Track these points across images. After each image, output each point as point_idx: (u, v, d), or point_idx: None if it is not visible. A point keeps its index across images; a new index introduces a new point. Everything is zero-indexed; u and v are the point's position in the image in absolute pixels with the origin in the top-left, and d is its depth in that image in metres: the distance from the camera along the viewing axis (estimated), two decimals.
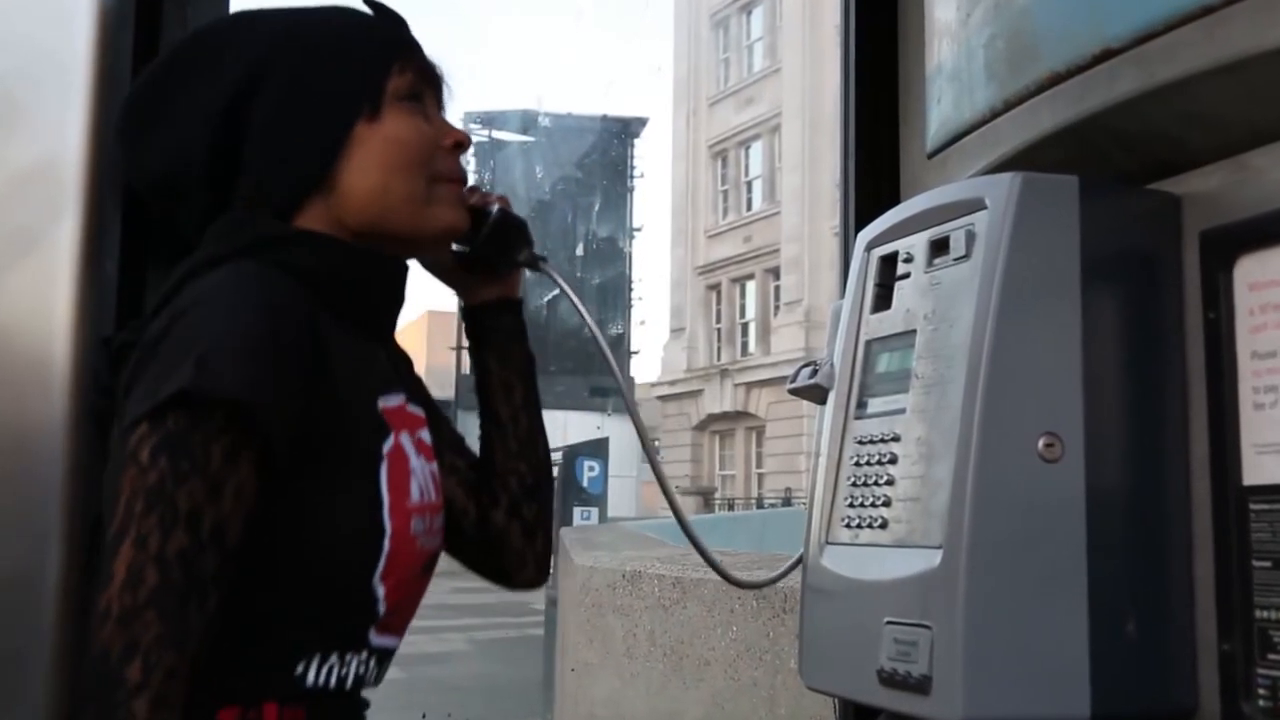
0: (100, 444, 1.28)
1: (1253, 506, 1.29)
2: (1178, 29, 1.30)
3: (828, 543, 1.58)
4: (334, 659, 1.31)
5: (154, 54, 1.66)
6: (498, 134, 40.45)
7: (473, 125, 39.27)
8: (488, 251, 1.58)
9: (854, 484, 1.55)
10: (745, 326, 35.70)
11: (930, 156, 1.84)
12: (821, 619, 1.58)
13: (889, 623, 1.40)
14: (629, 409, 1.73)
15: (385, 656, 1.40)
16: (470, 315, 1.64)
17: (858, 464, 1.56)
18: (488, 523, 1.60)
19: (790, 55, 33.39)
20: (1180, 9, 1.29)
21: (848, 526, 1.55)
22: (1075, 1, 1.45)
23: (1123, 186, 1.46)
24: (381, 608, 1.33)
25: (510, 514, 1.60)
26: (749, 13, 36.41)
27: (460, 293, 1.65)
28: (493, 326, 1.63)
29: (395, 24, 1.50)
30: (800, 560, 1.66)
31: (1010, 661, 1.31)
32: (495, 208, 1.57)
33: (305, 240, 1.38)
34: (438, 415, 1.58)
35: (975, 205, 1.45)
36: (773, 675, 4.06)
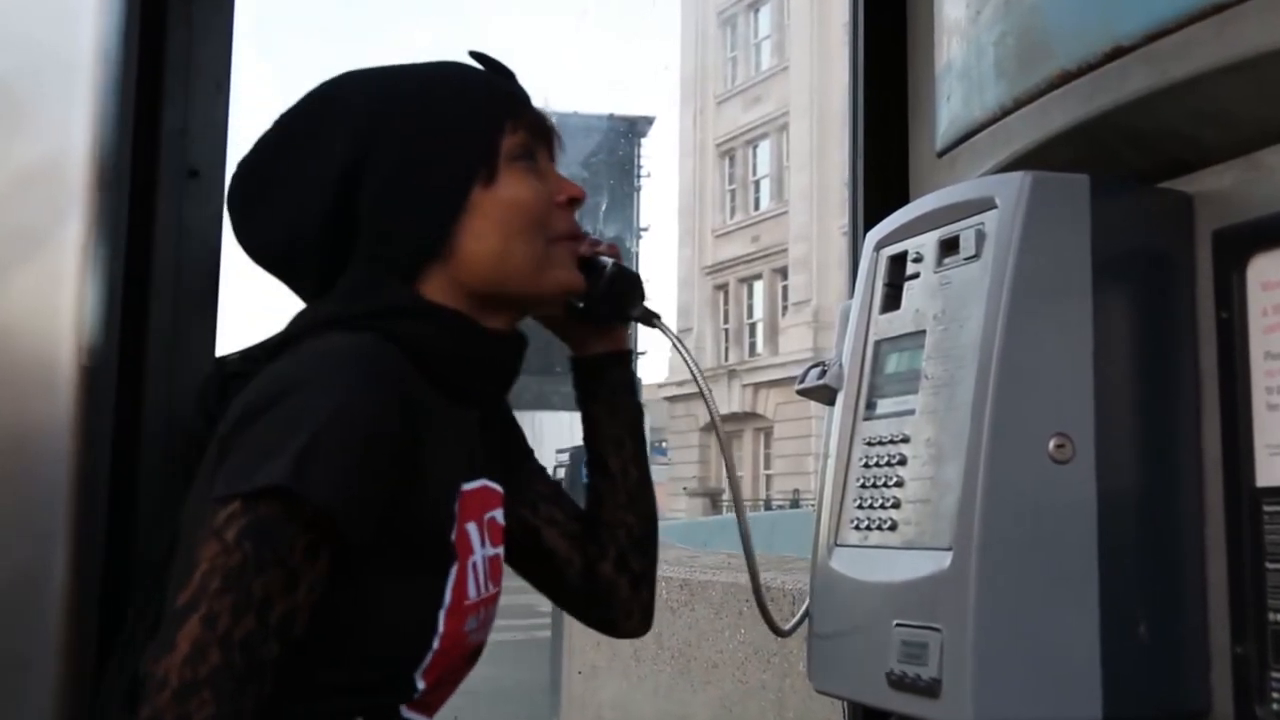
0: (194, 465, 1.30)
1: (1266, 508, 1.29)
2: (1189, 27, 1.30)
3: (837, 545, 1.58)
4: None
5: (159, 52, 1.66)
6: None
7: None
8: (602, 306, 1.58)
9: (863, 485, 1.55)
10: (753, 327, 35.68)
11: (940, 155, 1.84)
12: (830, 621, 1.58)
13: (898, 625, 1.40)
14: (721, 447, 1.76)
15: None
16: (579, 367, 1.64)
17: (867, 465, 1.55)
18: (595, 574, 1.60)
19: (798, 53, 33.37)
20: (1192, 7, 1.29)
21: (857, 528, 1.55)
22: None
23: (1134, 185, 1.46)
24: (420, 688, 1.34)
25: (618, 566, 1.60)
26: (756, 10, 36.39)
27: (569, 344, 1.65)
28: (603, 380, 1.63)
29: (506, 79, 1.49)
30: (806, 614, 1.65)
31: (1021, 664, 1.31)
32: (609, 262, 1.56)
33: (432, 315, 1.39)
34: (531, 469, 1.60)
35: (985, 204, 1.44)
36: (781, 678, 4.06)
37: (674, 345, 1.66)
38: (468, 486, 1.40)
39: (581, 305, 1.57)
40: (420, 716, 1.38)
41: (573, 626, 6.36)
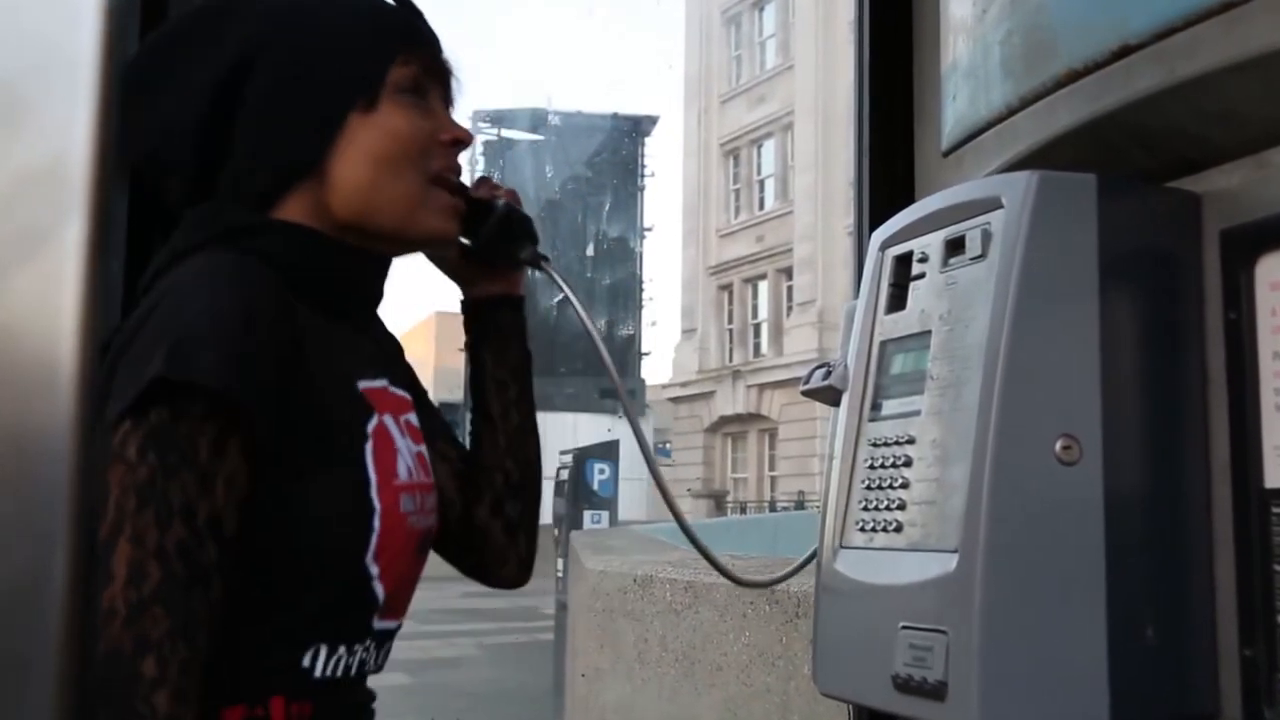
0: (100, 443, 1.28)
1: (1275, 510, 1.29)
2: (1198, 25, 1.30)
3: (842, 546, 1.58)
4: (341, 650, 1.31)
5: None
6: (507, 132, 40.52)
7: (481, 124, 39.36)
8: (490, 246, 1.58)
9: (868, 487, 1.55)
10: (758, 327, 35.71)
11: (945, 155, 1.84)
12: (835, 624, 1.58)
13: (904, 627, 1.40)
14: (626, 411, 1.73)
15: (387, 638, 1.40)
16: (470, 309, 1.65)
17: (872, 466, 1.55)
18: (471, 518, 1.60)
19: (803, 52, 33.38)
20: (1200, 5, 1.29)
21: (862, 530, 1.55)
22: None
23: (1141, 185, 1.46)
24: (379, 590, 1.33)
25: (493, 511, 1.60)
26: (761, 9, 36.41)
27: (461, 286, 1.65)
28: (491, 322, 1.63)
29: (408, 12, 1.49)
30: (811, 558, 1.65)
31: (1027, 667, 1.31)
32: (501, 202, 1.56)
33: (275, 229, 1.38)
34: (427, 403, 1.58)
35: (991, 204, 1.44)
36: (786, 681, 4.06)
37: (562, 290, 1.66)
38: (368, 383, 1.40)
39: (468, 244, 1.57)
40: (389, 623, 1.39)
41: (576, 629, 6.37)
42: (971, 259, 1.46)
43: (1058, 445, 1.33)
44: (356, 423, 1.35)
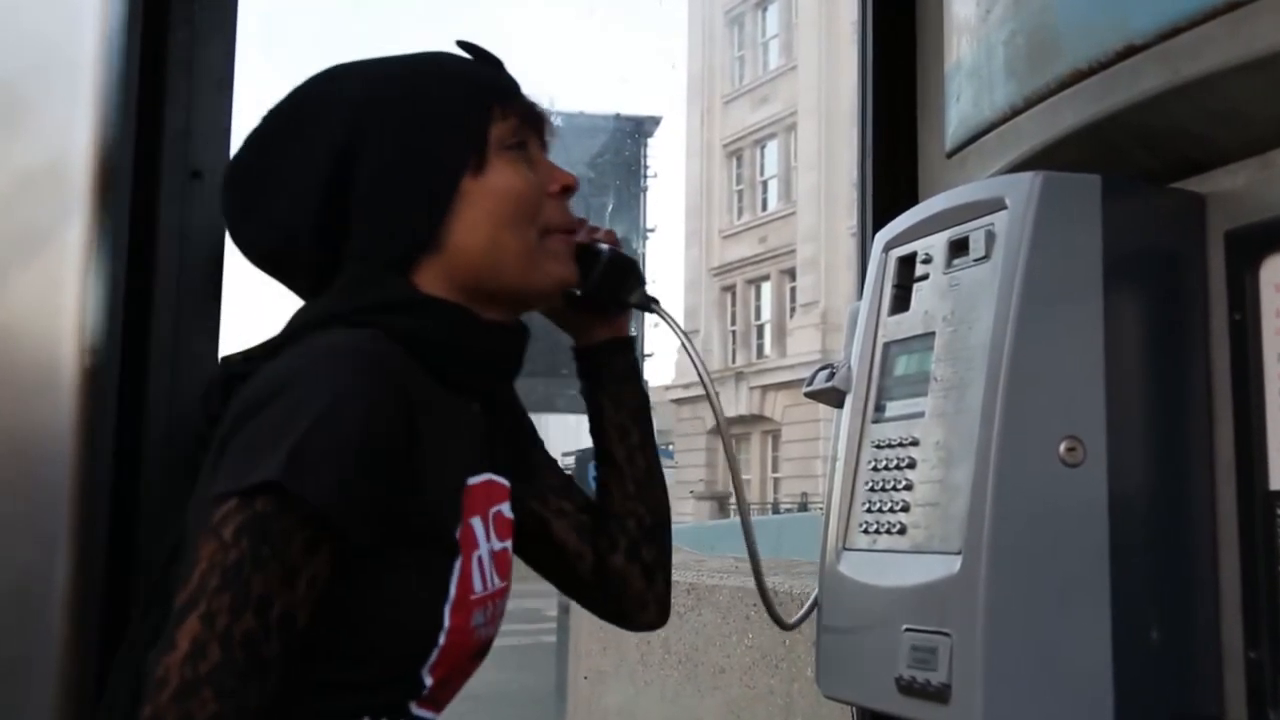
0: (199, 465, 1.29)
1: (1279, 511, 1.29)
2: (1203, 25, 1.30)
3: (845, 548, 1.58)
4: None
5: (161, 52, 1.66)
6: None
7: None
8: (600, 294, 1.57)
9: (871, 489, 1.55)
10: (761, 328, 35.68)
11: (949, 155, 1.84)
12: (839, 626, 1.58)
13: (907, 630, 1.40)
14: (726, 450, 1.74)
15: None
16: (582, 357, 1.63)
17: (875, 468, 1.55)
18: (606, 566, 1.58)
19: (806, 53, 33.37)
20: (1205, 5, 1.29)
21: (865, 532, 1.55)
22: None
23: (1146, 186, 1.46)
24: (428, 682, 1.33)
25: (629, 557, 1.58)
26: (764, 9, 36.40)
27: (571, 333, 1.64)
28: (606, 368, 1.62)
29: (493, 67, 1.48)
30: (815, 605, 1.65)
31: (1031, 669, 1.31)
32: (606, 248, 1.55)
33: (428, 307, 1.38)
34: (541, 461, 1.58)
35: (995, 205, 1.44)
36: (789, 683, 4.06)
37: (674, 331, 1.64)
38: (473, 480, 1.40)
39: (578, 293, 1.56)
40: (429, 713, 1.38)
41: (579, 631, 6.36)
42: (975, 260, 1.46)
43: (1062, 447, 1.33)
44: (448, 532, 1.34)
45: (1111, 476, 1.33)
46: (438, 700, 1.37)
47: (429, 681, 1.33)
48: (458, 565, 1.34)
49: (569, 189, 1.47)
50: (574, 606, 7.58)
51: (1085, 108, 1.46)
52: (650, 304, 1.60)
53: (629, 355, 1.63)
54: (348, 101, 1.41)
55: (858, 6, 2.18)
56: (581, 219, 1.55)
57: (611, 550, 1.58)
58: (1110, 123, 1.43)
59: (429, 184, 1.39)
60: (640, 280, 1.59)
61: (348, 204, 1.38)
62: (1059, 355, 1.36)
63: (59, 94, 1.29)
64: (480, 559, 1.38)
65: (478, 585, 1.37)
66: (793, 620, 1.68)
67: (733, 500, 32.43)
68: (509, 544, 1.47)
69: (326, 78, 1.46)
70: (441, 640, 1.32)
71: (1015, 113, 1.60)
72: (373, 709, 1.31)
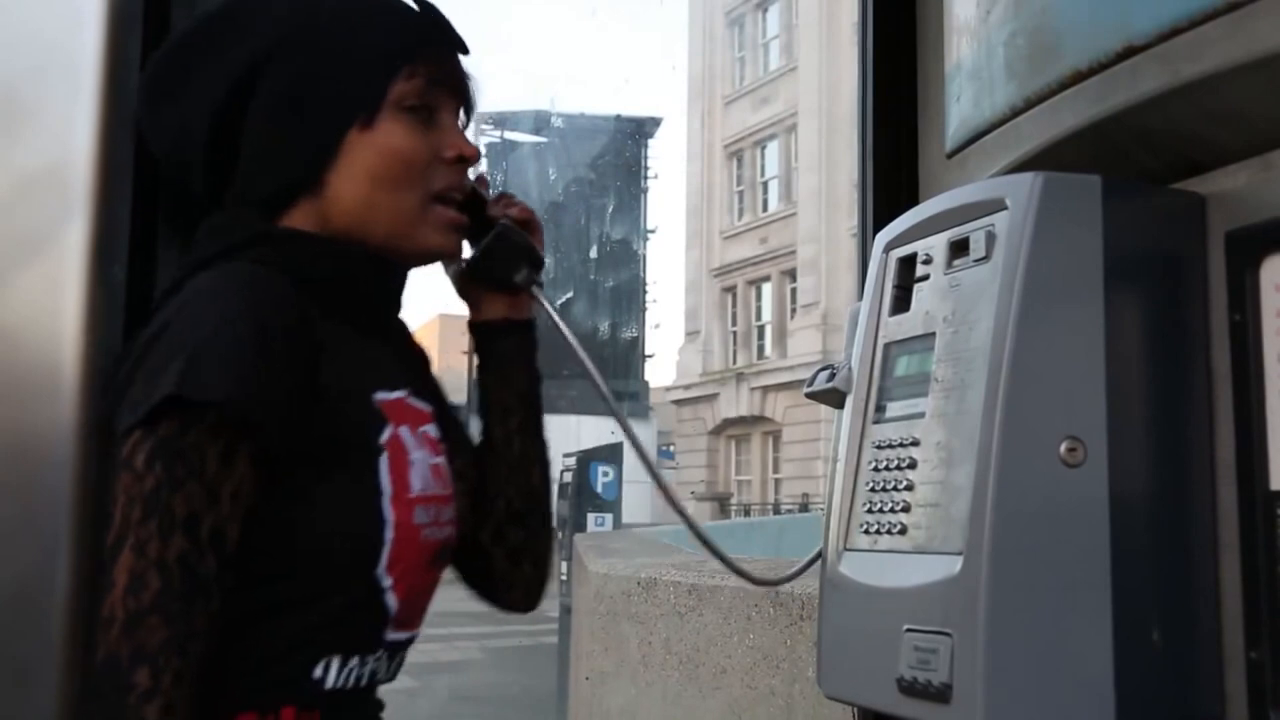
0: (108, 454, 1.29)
1: None
2: (1203, 25, 1.30)
3: (846, 549, 1.58)
4: (354, 661, 1.31)
5: None
6: (510, 135, 40.53)
7: (485, 126, 39.37)
8: (483, 266, 1.56)
9: (872, 489, 1.55)
10: (761, 329, 35.70)
11: (949, 156, 1.84)
12: (840, 626, 1.58)
13: (909, 630, 1.40)
14: (622, 426, 1.70)
15: (399, 649, 1.40)
16: (475, 331, 1.62)
17: (876, 469, 1.55)
18: (477, 542, 1.58)
19: (806, 54, 33.38)
20: (1205, 5, 1.29)
21: (866, 532, 1.55)
22: None
23: (1146, 186, 1.46)
24: (392, 601, 1.33)
25: (494, 538, 1.58)
26: (764, 10, 36.42)
27: (470, 307, 1.63)
28: (495, 347, 1.60)
29: (423, 23, 1.47)
30: (818, 557, 1.65)
31: (1032, 670, 1.31)
32: (503, 223, 1.54)
33: (292, 239, 1.38)
34: (451, 418, 1.56)
35: (996, 205, 1.44)
36: (790, 684, 4.06)
37: (551, 316, 1.60)
38: (389, 395, 1.40)
39: (464, 264, 1.56)
40: (402, 634, 1.38)
41: (580, 632, 6.37)
42: (976, 260, 1.46)
43: (1062, 447, 1.33)
44: (370, 435, 1.35)
45: (1112, 477, 1.33)
46: (408, 619, 1.38)
47: (388, 583, 1.32)
48: (385, 462, 1.34)
49: (465, 159, 1.46)
50: (575, 607, 7.59)
51: (1085, 108, 1.46)
52: (530, 285, 1.57)
53: (522, 337, 1.61)
54: (269, 23, 1.41)
55: (858, 7, 2.18)
56: (506, 194, 1.55)
57: (480, 527, 1.57)
58: (1110, 123, 1.43)
59: (314, 128, 1.39)
60: (531, 259, 1.56)
61: (240, 126, 1.39)
62: (1059, 355, 1.36)
63: (61, 94, 1.29)
64: (413, 462, 1.38)
65: (416, 484, 1.37)
66: (775, 577, 1.66)
67: (734, 501, 32.46)
68: (442, 459, 1.46)
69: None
70: (389, 535, 1.32)
71: (1015, 113, 1.60)
72: (349, 639, 1.31)
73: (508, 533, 1.58)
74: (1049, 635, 1.31)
